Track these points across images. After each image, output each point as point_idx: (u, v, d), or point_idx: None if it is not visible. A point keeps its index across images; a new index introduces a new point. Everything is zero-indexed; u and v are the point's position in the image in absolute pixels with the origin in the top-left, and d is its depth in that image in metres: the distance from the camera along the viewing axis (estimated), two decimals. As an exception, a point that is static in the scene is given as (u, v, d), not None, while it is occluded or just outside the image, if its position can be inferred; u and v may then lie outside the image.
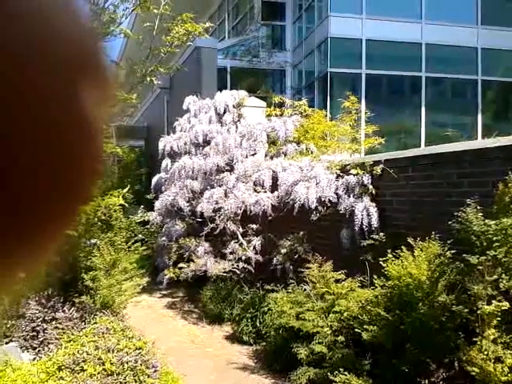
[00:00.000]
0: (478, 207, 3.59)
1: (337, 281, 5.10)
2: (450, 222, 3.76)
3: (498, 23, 13.77)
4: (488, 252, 3.25)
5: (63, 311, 4.60)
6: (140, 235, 11.23)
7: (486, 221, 3.32)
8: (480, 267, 3.27)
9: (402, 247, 4.26)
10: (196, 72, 13.63)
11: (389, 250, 4.37)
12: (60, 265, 5.68)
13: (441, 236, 4.20)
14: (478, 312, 3.22)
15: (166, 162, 9.82)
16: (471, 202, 3.62)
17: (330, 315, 4.78)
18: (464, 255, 3.44)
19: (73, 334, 4.29)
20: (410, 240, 4.31)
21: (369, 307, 4.05)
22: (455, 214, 3.72)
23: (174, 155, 9.54)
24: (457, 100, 14.81)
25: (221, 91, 10.18)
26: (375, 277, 4.63)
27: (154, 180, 10.37)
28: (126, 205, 4.10)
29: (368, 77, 13.18)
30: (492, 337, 3.13)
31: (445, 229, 4.37)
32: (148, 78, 4.99)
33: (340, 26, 12.90)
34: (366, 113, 9.30)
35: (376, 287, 4.70)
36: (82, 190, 0.33)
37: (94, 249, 5.26)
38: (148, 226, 10.89)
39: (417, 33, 13.46)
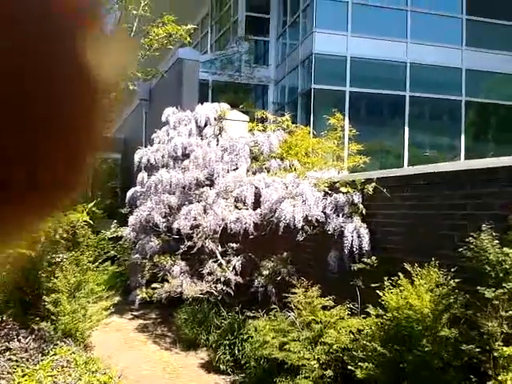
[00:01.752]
0: (488, 233, 3.23)
1: (324, 307, 4.68)
2: (461, 249, 3.38)
3: (483, 45, 13.79)
4: (504, 285, 2.88)
5: (18, 340, 4.05)
6: (112, 252, 10.66)
7: (504, 249, 2.96)
8: (495, 302, 2.89)
9: (399, 274, 3.88)
10: (177, 84, 13.25)
11: (385, 278, 3.98)
12: (19, 283, 5.13)
13: (441, 262, 3.84)
14: (495, 354, 2.83)
15: (143, 175, 9.30)
16: (486, 227, 3.25)
17: (318, 347, 4.34)
18: (478, 288, 3.06)
19: (28, 368, 3.76)
20: (407, 266, 3.93)
21: (364, 341, 3.63)
22: (466, 239, 3.35)
23: (151, 168, 9.07)
24: (440, 121, 14.73)
25: (202, 104, 9.79)
26: (369, 306, 4.24)
27: (129, 194, 9.82)
28: (91, 221, 3.62)
29: (352, 94, 12.98)
30: (510, 382, 2.74)
31: (445, 254, 4.02)
32: (123, 84, 4.55)
33: (325, 43, 12.70)
34: (350, 130, 9.02)
35: (367, 316, 4.30)
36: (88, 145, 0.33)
37: (57, 268, 4.73)
38: (121, 242, 10.29)
39: (402, 52, 13.36)
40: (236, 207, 6.97)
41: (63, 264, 5.10)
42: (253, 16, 15.54)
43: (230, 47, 15.28)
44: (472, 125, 14.61)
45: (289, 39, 14.93)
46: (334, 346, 4.12)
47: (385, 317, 3.61)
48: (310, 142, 9.13)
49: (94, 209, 5.00)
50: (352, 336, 4.12)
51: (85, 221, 3.84)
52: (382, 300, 3.69)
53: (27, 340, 4.00)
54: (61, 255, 5.51)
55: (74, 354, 4.02)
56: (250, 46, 15.28)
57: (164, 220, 8.18)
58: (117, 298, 11.11)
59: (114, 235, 10.06)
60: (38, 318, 4.97)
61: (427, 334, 3.45)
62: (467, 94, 14.06)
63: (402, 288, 3.69)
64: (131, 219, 8.73)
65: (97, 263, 5.70)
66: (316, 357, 4.26)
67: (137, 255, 8.95)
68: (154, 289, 7.52)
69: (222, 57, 14.83)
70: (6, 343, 4.01)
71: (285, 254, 6.26)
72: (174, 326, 7.65)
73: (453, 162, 4.72)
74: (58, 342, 4.26)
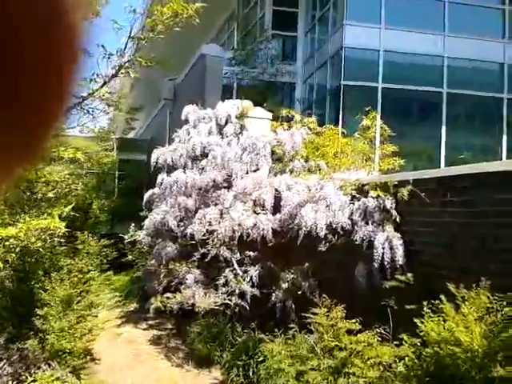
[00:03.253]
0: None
1: (349, 331, 4.00)
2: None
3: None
4: None
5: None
6: (130, 256, 10.22)
7: None
8: None
9: (441, 296, 3.17)
10: (200, 82, 12.76)
11: (422, 299, 3.28)
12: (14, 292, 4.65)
13: (493, 283, 3.12)
14: None
15: (162, 176, 8.71)
16: None
17: (340, 379, 3.67)
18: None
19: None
20: (449, 286, 3.22)
21: (397, 382, 2.94)
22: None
23: (169, 169, 8.57)
24: (479, 120, 13.71)
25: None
26: (403, 331, 3.54)
27: (146, 196, 9.32)
28: (63, 229, 3.09)
29: (384, 91, 12.15)
30: None
31: (497, 272, 3.29)
32: (124, 70, 4.00)
33: (356, 36, 11.92)
34: (385, 130, 8.25)
35: (400, 344, 3.60)
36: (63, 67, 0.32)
37: (47, 279, 4.21)
38: (139, 246, 9.79)
39: (439, 45, 12.44)
40: (254, 211, 6.35)
41: (59, 273, 4.58)
42: (280, 11, 14.89)
43: (256, 44, 14.69)
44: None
45: (318, 34, 14.20)
46: (361, 382, 3.43)
47: (424, 353, 2.91)
48: (339, 142, 8.39)
49: (97, 212, 4.47)
50: (381, 369, 3.43)
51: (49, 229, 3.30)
52: (421, 330, 2.99)
53: (1, 364, 3.46)
54: (61, 262, 5.02)
55: (59, 379, 3.46)
56: (276, 42, 14.65)
57: (182, 224, 7.64)
58: (133, 306, 10.72)
59: (132, 239, 9.60)
60: (32, 333, 4.47)
61: (477, 375, 2.73)
62: (510, 91, 13.02)
63: (444, 315, 2.98)
64: (146, 222, 8.24)
65: (97, 272, 5.14)
66: (339, 391, 3.59)
67: (153, 261, 8.47)
68: (169, 298, 6.99)
69: (247, 53, 14.25)
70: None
71: (306, 264, 5.59)
72: (188, 339, 7.08)
73: (505, 161, 3.94)
74: (42, 365, 3.71)
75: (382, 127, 8.19)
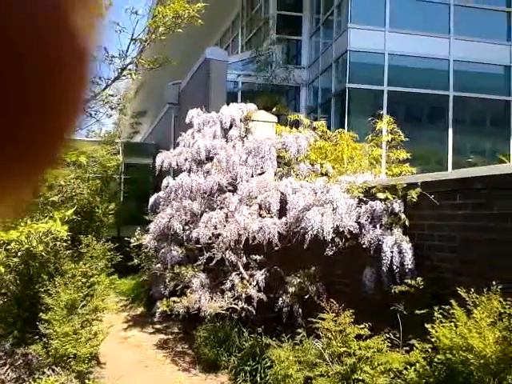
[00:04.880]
0: None
1: (358, 337, 3.93)
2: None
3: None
4: None
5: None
6: (136, 260, 10.18)
7: None
8: None
9: (451, 301, 3.11)
10: (204, 86, 12.75)
11: (433, 304, 3.21)
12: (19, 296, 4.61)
13: (505, 287, 3.05)
14: None
15: (168, 180, 8.65)
16: None
17: (350, 385, 3.60)
18: None
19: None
20: (460, 291, 3.15)
21: (408, 389, 2.87)
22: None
23: (176, 172, 8.53)
24: (487, 123, 13.63)
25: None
26: (413, 336, 3.48)
27: (152, 199, 9.29)
28: (64, 233, 3.04)
29: (390, 94, 12.09)
30: None
31: (508, 276, 3.22)
32: (126, 72, 3.97)
33: (360, 39, 11.87)
34: (399, 135, 8.18)
35: (410, 350, 3.53)
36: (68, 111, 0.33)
37: (50, 284, 4.17)
38: (146, 250, 9.74)
39: (444, 48, 12.38)
40: (260, 215, 6.30)
41: (63, 277, 4.53)
42: (284, 15, 14.87)
43: (261, 48, 14.67)
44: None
45: (322, 38, 14.17)
46: (370, 388, 3.37)
47: (436, 359, 2.84)
48: (349, 147, 8.28)
49: (101, 216, 4.43)
50: (392, 376, 3.36)
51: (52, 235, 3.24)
52: (431, 336, 2.93)
53: (5, 369, 3.42)
54: (65, 266, 4.98)
55: (63, 385, 3.41)
56: (281, 46, 14.63)
57: (187, 228, 7.58)
58: (139, 310, 10.67)
59: (138, 243, 9.57)
60: (37, 337, 4.43)
61: (491, 383, 2.66)
62: (516, 94, 12.93)
63: (456, 321, 2.92)
64: (151, 226, 8.19)
65: (102, 276, 5.10)
66: (348, 398, 3.52)
67: (158, 265, 8.42)
68: (175, 302, 6.93)
69: (251, 58, 14.23)
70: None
71: (313, 268, 5.52)
72: (194, 343, 7.02)
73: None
74: (46, 370, 3.67)
75: (396, 131, 8.11)
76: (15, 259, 3.31)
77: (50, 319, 4.05)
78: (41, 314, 4.39)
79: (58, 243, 4.16)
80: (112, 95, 4.45)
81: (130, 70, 4.18)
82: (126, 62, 4.05)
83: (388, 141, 8.15)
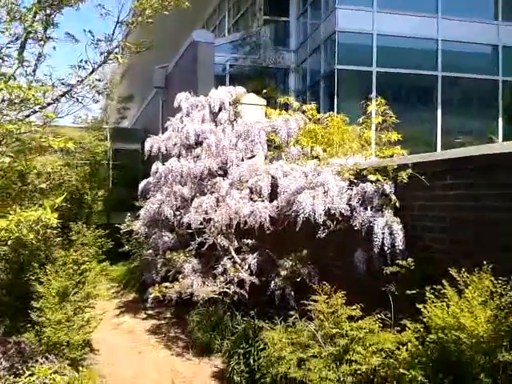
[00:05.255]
0: None
1: (350, 318, 3.96)
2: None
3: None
4: None
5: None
6: (126, 246, 10.15)
7: None
8: None
9: (443, 281, 3.13)
10: (192, 69, 12.61)
11: (424, 284, 3.24)
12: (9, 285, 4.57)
13: (495, 267, 3.08)
14: None
15: (157, 165, 8.54)
16: None
17: (343, 366, 3.63)
18: None
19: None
20: (451, 271, 3.18)
21: (400, 369, 2.90)
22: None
23: (165, 157, 8.45)
24: (475, 103, 13.65)
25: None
26: (404, 316, 3.51)
27: (141, 185, 9.21)
28: (55, 221, 3.00)
29: (379, 75, 12.04)
30: None
31: (501, 257, 3.25)
32: (112, 56, 3.89)
33: (349, 20, 11.78)
34: (390, 116, 8.16)
35: (402, 330, 3.57)
36: None
37: (41, 272, 4.13)
38: (136, 236, 9.69)
39: (432, 28, 12.33)
40: (251, 199, 6.29)
41: (54, 265, 4.50)
42: (272, -5, 14.69)
43: (249, 29, 14.49)
44: (510, 107, 13.48)
45: (310, 19, 14.03)
46: (364, 367, 3.40)
47: (428, 339, 2.87)
48: (340, 130, 8.24)
49: (90, 203, 4.39)
50: (384, 356, 3.39)
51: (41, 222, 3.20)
52: (423, 316, 2.95)
53: (-2, 358, 3.41)
54: (56, 254, 4.94)
55: (57, 373, 3.41)
56: (268, 27, 14.46)
57: (178, 213, 7.54)
58: (131, 296, 10.66)
59: (128, 229, 9.52)
60: (29, 325, 4.41)
61: (483, 362, 2.70)
62: (504, 73, 12.95)
63: (447, 301, 2.94)
64: (142, 212, 8.12)
65: (93, 263, 5.07)
66: (341, 378, 3.56)
67: (150, 251, 8.39)
68: (167, 287, 6.92)
69: (240, 39, 14.06)
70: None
71: (304, 251, 5.54)
72: (187, 328, 7.05)
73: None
74: (39, 358, 3.66)
75: (387, 113, 8.09)
76: (5, 248, 3.28)
77: (42, 307, 4.04)
78: (32, 302, 4.36)
79: (49, 231, 4.12)
80: (99, 80, 4.37)
81: (116, 53, 4.10)
82: (112, 46, 3.97)
83: (379, 122, 8.12)
